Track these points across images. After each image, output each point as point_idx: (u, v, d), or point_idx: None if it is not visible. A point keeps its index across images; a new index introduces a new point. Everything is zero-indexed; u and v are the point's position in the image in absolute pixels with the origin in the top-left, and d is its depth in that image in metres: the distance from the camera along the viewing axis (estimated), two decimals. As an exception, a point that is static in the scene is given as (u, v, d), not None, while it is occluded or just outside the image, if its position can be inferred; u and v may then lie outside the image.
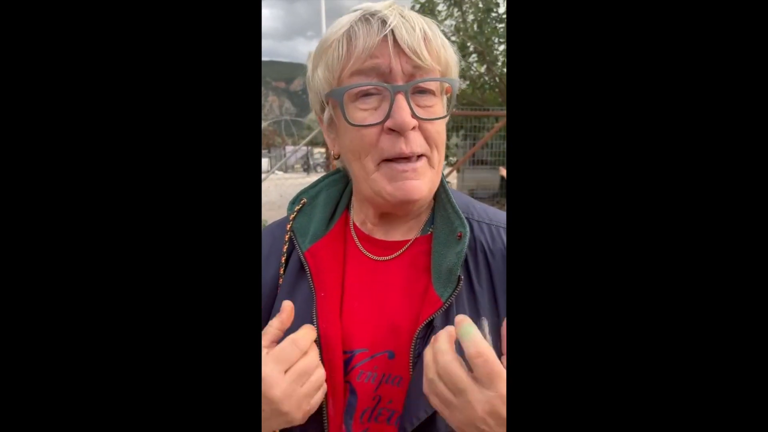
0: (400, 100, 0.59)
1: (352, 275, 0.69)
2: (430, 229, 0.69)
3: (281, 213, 0.77)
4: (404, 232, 0.70)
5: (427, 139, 0.62)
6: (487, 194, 8.15)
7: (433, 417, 0.58)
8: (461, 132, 8.70)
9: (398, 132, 0.60)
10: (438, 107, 0.63)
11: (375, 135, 0.61)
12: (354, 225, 0.73)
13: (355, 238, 0.72)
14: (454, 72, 0.66)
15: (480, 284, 0.64)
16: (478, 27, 9.46)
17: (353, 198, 0.75)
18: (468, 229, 0.64)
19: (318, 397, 0.58)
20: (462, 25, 9.58)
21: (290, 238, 0.72)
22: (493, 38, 9.43)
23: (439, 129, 0.63)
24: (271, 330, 0.58)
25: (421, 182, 0.62)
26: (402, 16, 0.61)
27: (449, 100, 0.67)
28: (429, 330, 0.61)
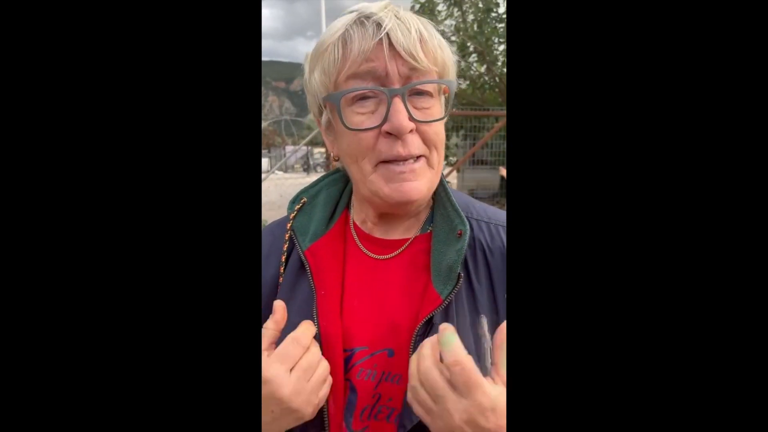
0: (397, 103, 0.59)
1: (352, 274, 0.69)
2: (430, 228, 0.69)
3: (281, 213, 0.78)
4: (404, 231, 0.71)
5: (426, 140, 0.62)
6: (487, 194, 8.15)
7: None
8: (461, 132, 8.70)
9: (395, 135, 0.60)
10: (436, 108, 0.63)
11: (372, 138, 0.61)
12: (354, 224, 0.73)
13: (355, 237, 0.72)
14: (452, 72, 0.66)
15: (479, 282, 0.65)
16: (478, 27, 9.46)
17: (353, 197, 0.75)
18: (468, 227, 0.64)
19: (325, 390, 0.59)
20: (462, 25, 9.58)
21: (290, 237, 0.72)
22: (493, 38, 9.43)
23: (437, 130, 0.63)
24: (268, 332, 0.59)
25: (420, 183, 0.62)
26: (397, 18, 0.60)
27: (447, 101, 0.67)
28: (428, 328, 0.61)
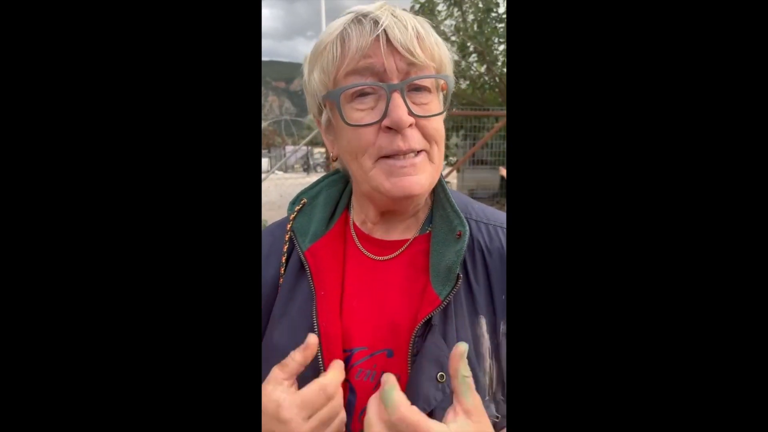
0: (396, 98, 0.59)
1: (351, 274, 0.69)
2: (429, 228, 0.69)
3: (281, 213, 0.78)
4: (403, 231, 0.71)
5: (425, 135, 0.62)
6: (487, 194, 8.15)
7: (431, 415, 0.58)
8: (461, 132, 8.70)
9: (395, 130, 0.60)
10: (434, 104, 0.64)
11: (372, 134, 0.61)
12: (354, 225, 0.73)
13: (355, 238, 0.72)
14: (449, 69, 0.67)
15: (477, 283, 0.65)
16: (478, 27, 9.46)
17: (353, 198, 0.75)
18: (467, 227, 0.64)
19: None
20: (462, 25, 9.58)
21: (290, 238, 0.72)
22: (493, 38, 9.43)
23: (436, 125, 0.63)
24: (292, 364, 0.57)
25: (421, 177, 0.62)
26: (394, 16, 0.61)
27: (445, 97, 0.67)
28: (427, 328, 0.61)
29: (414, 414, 0.49)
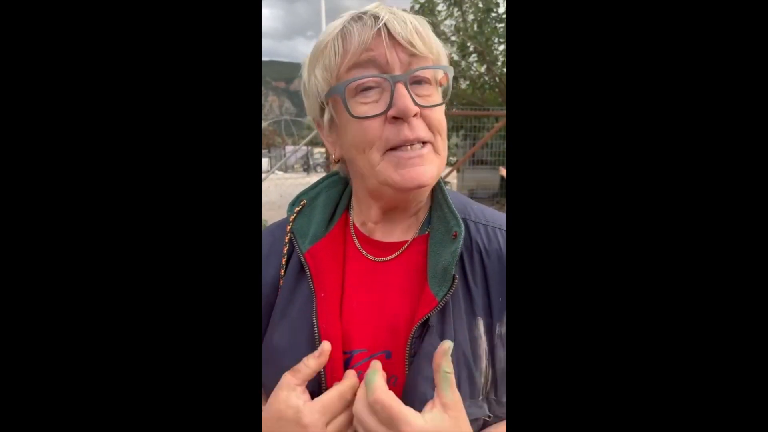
0: (401, 88, 0.60)
1: (351, 276, 0.69)
2: (428, 229, 0.69)
3: (281, 213, 0.78)
4: (403, 232, 0.71)
5: (430, 125, 0.63)
6: (487, 194, 8.15)
7: None
8: (461, 132, 8.71)
9: (402, 119, 0.61)
10: (435, 96, 0.65)
11: (379, 126, 0.61)
12: (354, 226, 0.73)
13: (355, 239, 0.72)
14: (445, 63, 0.68)
15: (476, 284, 0.65)
16: (478, 27, 9.47)
17: (353, 199, 0.75)
18: (463, 228, 0.65)
19: None
20: (462, 25, 9.59)
21: (290, 239, 0.72)
22: (493, 38, 9.44)
23: (439, 116, 0.65)
24: (305, 370, 0.59)
25: (428, 168, 0.63)
26: (392, 13, 0.63)
27: (445, 90, 0.69)
28: (425, 329, 0.61)
29: (389, 398, 0.52)
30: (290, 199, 0.79)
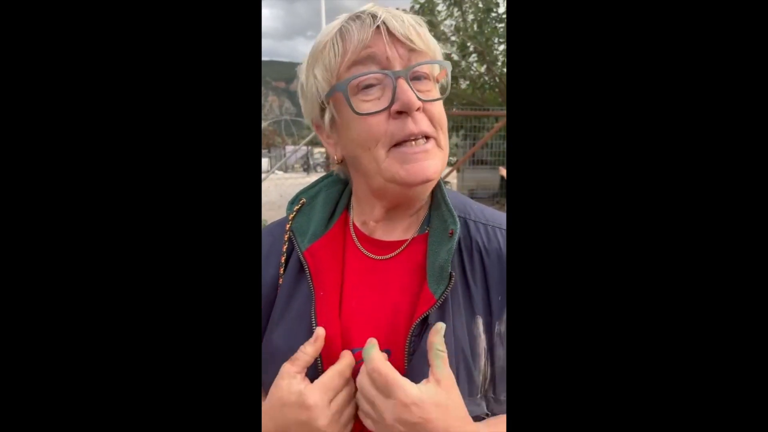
0: (402, 83, 0.61)
1: (351, 274, 0.69)
2: (427, 228, 0.69)
3: (281, 213, 0.78)
4: (403, 231, 0.71)
5: (432, 120, 0.64)
6: (487, 194, 8.15)
7: None
8: (461, 132, 8.71)
9: (406, 114, 0.61)
10: (434, 92, 0.66)
11: (383, 122, 0.62)
12: (353, 225, 0.73)
13: (354, 238, 0.72)
14: (441, 59, 0.69)
15: (475, 283, 0.65)
16: (478, 27, 9.47)
17: (353, 199, 0.75)
18: (458, 226, 0.65)
19: (350, 426, 0.62)
20: (462, 25, 9.59)
21: (289, 238, 0.72)
22: (493, 38, 9.44)
23: (440, 111, 0.66)
24: (303, 357, 0.61)
25: (433, 162, 0.63)
26: (389, 12, 0.64)
27: (443, 86, 0.70)
28: (424, 327, 0.62)
29: (386, 367, 0.56)
30: (290, 198, 0.79)
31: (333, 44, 0.63)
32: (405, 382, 0.55)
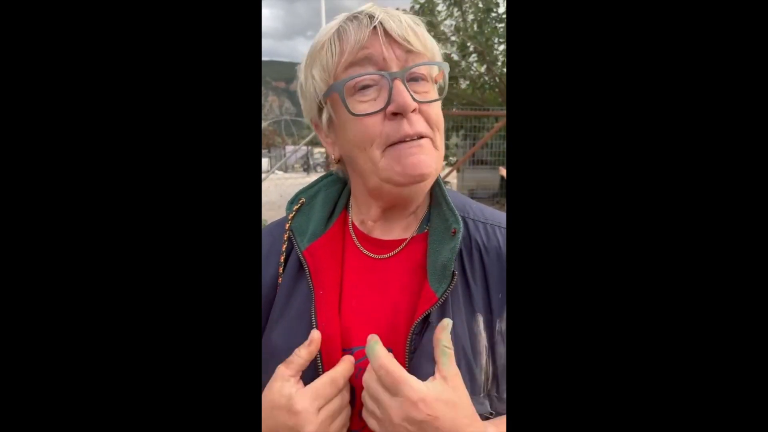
0: (399, 84, 0.61)
1: (350, 273, 0.69)
2: (427, 227, 0.70)
3: (281, 213, 0.78)
4: (402, 230, 0.71)
5: (428, 121, 0.64)
6: (487, 194, 8.15)
7: None
8: (461, 132, 8.71)
9: (401, 115, 0.61)
10: (432, 93, 0.66)
11: (378, 123, 0.62)
12: (353, 224, 0.73)
13: (354, 237, 0.72)
14: (440, 60, 0.69)
15: (475, 281, 0.65)
16: (478, 27, 9.46)
17: (352, 198, 0.75)
18: (462, 225, 0.65)
19: None
20: (462, 25, 9.58)
21: (289, 238, 0.72)
22: (493, 38, 9.44)
23: (437, 112, 0.65)
24: (298, 360, 0.60)
25: (429, 157, 0.63)
26: (387, 12, 0.64)
27: (441, 87, 0.69)
28: (425, 325, 0.62)
29: (392, 364, 0.55)
30: (290, 198, 0.79)
31: (330, 44, 0.63)
32: (412, 379, 0.54)
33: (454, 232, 0.65)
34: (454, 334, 0.62)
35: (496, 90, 10.07)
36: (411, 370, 0.61)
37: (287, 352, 0.63)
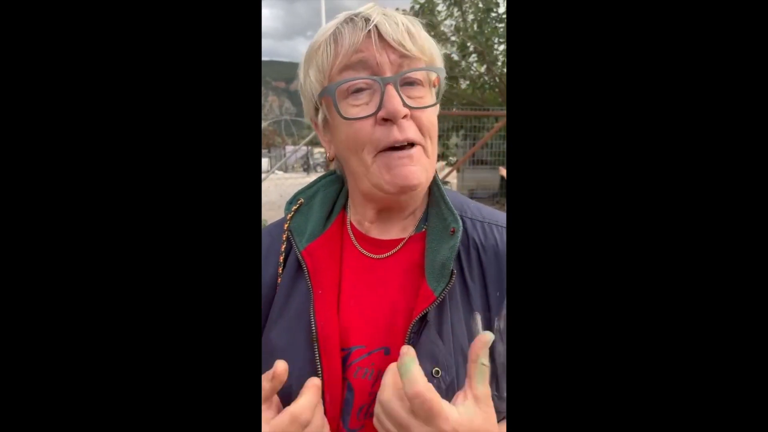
0: (390, 90, 0.60)
1: (349, 273, 0.70)
2: (425, 227, 0.70)
3: (281, 213, 0.78)
4: (400, 230, 0.71)
5: (420, 127, 0.63)
6: (487, 194, 8.16)
7: None
8: (461, 132, 8.71)
9: (392, 121, 0.61)
10: (427, 98, 0.65)
11: (369, 127, 0.62)
12: (351, 224, 0.73)
13: (352, 237, 0.72)
14: (439, 64, 0.68)
15: (473, 280, 0.66)
16: (478, 27, 9.47)
17: (350, 198, 0.75)
18: (460, 224, 0.65)
19: None
20: (462, 25, 9.59)
21: (288, 238, 0.72)
22: (493, 38, 9.44)
23: (430, 118, 0.65)
24: (264, 386, 0.55)
25: (418, 168, 0.63)
26: (384, 14, 0.63)
27: (438, 91, 0.69)
28: (422, 324, 0.62)
29: (430, 392, 0.50)
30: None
31: (326, 46, 0.63)
32: (446, 408, 0.51)
33: (453, 231, 0.65)
34: (453, 334, 0.62)
35: (496, 90, 10.07)
36: None
37: (286, 351, 0.63)
